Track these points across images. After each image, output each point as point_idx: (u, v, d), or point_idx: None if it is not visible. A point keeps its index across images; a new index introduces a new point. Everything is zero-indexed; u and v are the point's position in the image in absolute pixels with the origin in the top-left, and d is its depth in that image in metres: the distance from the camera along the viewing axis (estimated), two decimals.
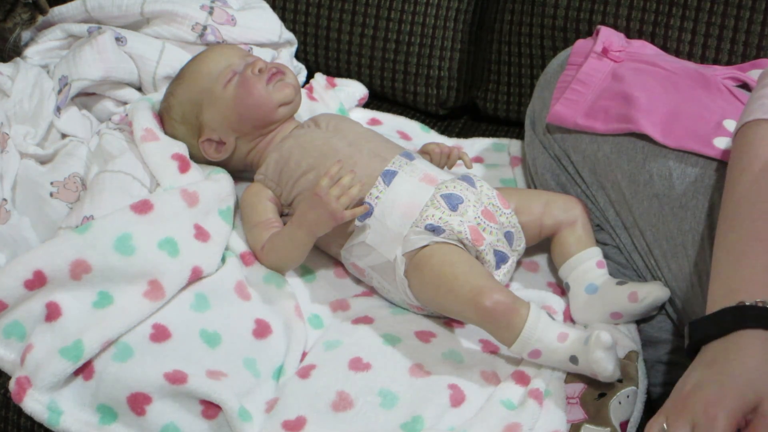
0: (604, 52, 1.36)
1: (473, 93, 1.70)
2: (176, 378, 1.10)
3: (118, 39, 1.50)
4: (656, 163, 1.23)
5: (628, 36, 1.46)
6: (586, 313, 1.25)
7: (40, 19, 1.53)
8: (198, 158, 1.38)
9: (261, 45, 1.61)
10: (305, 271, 1.33)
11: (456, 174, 1.33)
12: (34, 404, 1.12)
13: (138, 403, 1.10)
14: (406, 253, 1.23)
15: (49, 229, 1.30)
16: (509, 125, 1.68)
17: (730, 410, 0.88)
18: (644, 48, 1.43)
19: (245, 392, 1.13)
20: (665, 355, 1.24)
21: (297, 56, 1.70)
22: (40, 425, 1.14)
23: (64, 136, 1.43)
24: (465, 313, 1.19)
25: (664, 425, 0.90)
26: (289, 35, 1.66)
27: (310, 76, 1.67)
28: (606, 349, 1.09)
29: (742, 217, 1.02)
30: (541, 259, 1.37)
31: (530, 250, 1.34)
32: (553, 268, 1.33)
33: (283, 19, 1.67)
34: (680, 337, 1.23)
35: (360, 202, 1.25)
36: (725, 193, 1.07)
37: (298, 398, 1.13)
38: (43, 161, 1.38)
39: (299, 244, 1.26)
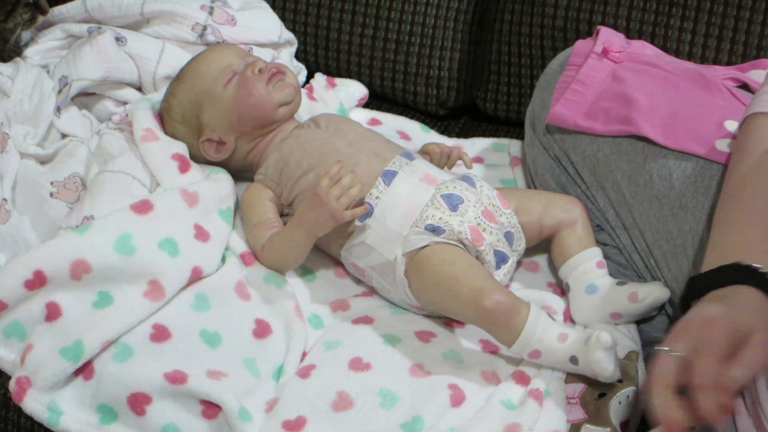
0: (604, 52, 1.36)
1: (473, 93, 1.70)
2: (176, 378, 1.10)
3: (118, 39, 1.50)
4: (656, 164, 1.23)
5: (628, 36, 1.46)
6: (586, 313, 1.25)
7: (41, 19, 1.53)
8: (198, 158, 1.38)
9: (261, 45, 1.61)
10: (305, 271, 1.33)
11: (456, 174, 1.33)
12: (34, 404, 1.12)
13: (138, 403, 1.10)
14: (406, 253, 1.23)
15: (49, 229, 1.30)
16: (509, 125, 1.68)
17: (728, 327, 0.89)
18: (644, 48, 1.42)
19: (245, 392, 1.13)
20: None
21: (297, 56, 1.70)
22: (40, 425, 1.14)
23: (64, 136, 1.42)
24: (465, 313, 1.19)
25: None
26: (289, 35, 1.66)
27: (310, 76, 1.66)
28: (606, 349, 1.09)
29: (740, 195, 1.06)
30: (541, 259, 1.37)
31: (530, 250, 1.34)
32: (553, 269, 1.33)
33: (283, 19, 1.67)
34: None
35: (360, 202, 1.25)
36: (727, 177, 1.10)
37: (298, 398, 1.13)
38: (43, 161, 1.38)
39: (299, 244, 1.26)
